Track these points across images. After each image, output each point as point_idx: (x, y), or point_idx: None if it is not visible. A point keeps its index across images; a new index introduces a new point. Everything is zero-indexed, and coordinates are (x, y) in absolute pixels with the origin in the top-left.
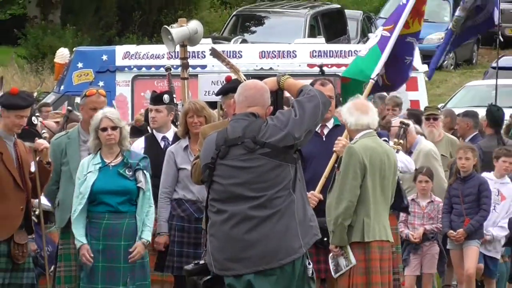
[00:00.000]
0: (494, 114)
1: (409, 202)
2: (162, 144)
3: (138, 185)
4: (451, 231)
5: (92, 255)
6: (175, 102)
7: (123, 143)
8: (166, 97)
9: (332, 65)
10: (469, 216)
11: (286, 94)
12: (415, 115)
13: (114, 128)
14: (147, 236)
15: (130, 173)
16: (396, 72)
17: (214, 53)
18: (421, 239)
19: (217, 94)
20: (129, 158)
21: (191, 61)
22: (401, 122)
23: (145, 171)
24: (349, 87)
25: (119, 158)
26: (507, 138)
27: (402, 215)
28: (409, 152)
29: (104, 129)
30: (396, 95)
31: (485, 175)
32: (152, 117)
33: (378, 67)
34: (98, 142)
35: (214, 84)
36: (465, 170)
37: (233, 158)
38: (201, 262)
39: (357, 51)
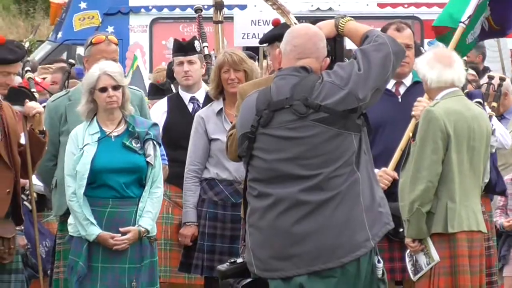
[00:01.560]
0: None
1: (508, 182)
2: (190, 107)
3: (147, 159)
4: None
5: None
6: (207, 52)
7: (126, 106)
8: (198, 43)
9: (409, 5)
10: None
11: (348, 42)
12: None
13: (116, 87)
14: (146, 223)
15: (138, 145)
16: (505, 10)
17: None
18: None
19: (260, 42)
20: (135, 126)
21: (227, 0)
22: (489, 77)
23: (155, 142)
24: (448, 39)
25: (123, 126)
26: None
27: (500, 199)
28: (501, 118)
29: (103, 89)
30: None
31: None
32: (185, 72)
33: (471, 7)
34: (93, 106)
35: (255, 25)
36: None
37: (279, 126)
38: (239, 260)
39: None
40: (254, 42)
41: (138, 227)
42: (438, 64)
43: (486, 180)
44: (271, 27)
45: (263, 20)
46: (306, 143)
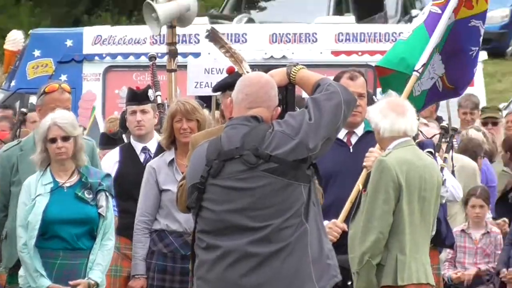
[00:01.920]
0: None
1: (457, 234)
2: (142, 157)
3: (99, 211)
4: (504, 269)
5: None
6: (161, 101)
7: (79, 156)
8: (151, 92)
9: (363, 52)
10: None
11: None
12: None
13: (65, 138)
14: (96, 276)
15: (91, 195)
16: (459, 69)
17: (212, 36)
18: (472, 282)
19: (213, 91)
20: (88, 176)
21: (181, 47)
22: (442, 127)
23: (107, 193)
24: (389, 81)
25: (76, 177)
26: None
27: (449, 252)
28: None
29: (53, 140)
30: (473, 93)
31: None
32: (137, 121)
33: (425, 55)
34: (46, 155)
35: (208, 73)
36: None
37: (228, 176)
38: None
39: (396, 34)
40: (207, 91)
41: (88, 280)
42: (391, 113)
43: (433, 233)
44: (225, 75)
45: (216, 69)
46: (255, 194)
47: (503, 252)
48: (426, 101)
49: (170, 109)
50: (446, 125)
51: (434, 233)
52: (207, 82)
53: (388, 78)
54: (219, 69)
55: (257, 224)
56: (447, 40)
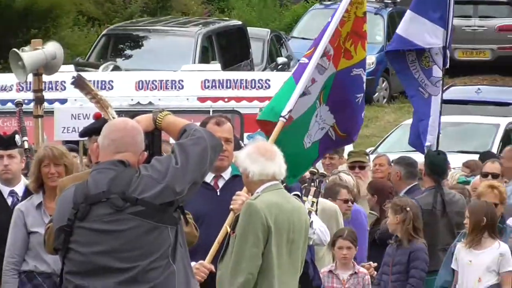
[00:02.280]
0: (433, 160)
1: (325, 275)
2: (9, 200)
3: None
4: None
5: None
6: (27, 146)
7: None
8: (18, 137)
9: (230, 99)
10: None
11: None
12: None
13: None
14: None
15: None
16: (348, 118)
17: (78, 83)
18: None
19: (80, 136)
20: None
21: (48, 94)
22: (311, 172)
23: None
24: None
25: None
26: (456, 191)
27: None
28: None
29: None
30: None
31: None
32: (4, 165)
33: (291, 102)
34: None
35: (75, 118)
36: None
37: (95, 219)
38: None
39: (263, 81)
40: (74, 136)
41: None
42: (260, 158)
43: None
44: (91, 120)
45: (83, 114)
46: (123, 237)
47: None
48: (319, 151)
49: (38, 153)
50: (315, 170)
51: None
52: (74, 127)
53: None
54: (86, 115)
55: (124, 265)
56: (331, 91)
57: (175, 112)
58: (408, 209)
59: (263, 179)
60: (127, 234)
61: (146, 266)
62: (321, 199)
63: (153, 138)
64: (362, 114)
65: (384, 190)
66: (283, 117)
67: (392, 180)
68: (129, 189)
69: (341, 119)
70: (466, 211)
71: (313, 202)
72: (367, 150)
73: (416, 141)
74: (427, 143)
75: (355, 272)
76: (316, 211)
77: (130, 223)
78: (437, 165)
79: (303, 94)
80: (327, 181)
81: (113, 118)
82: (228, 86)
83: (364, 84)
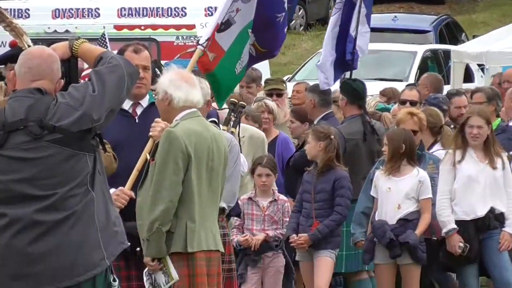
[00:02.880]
0: (353, 86)
1: (245, 202)
2: None
3: None
4: (294, 235)
5: None
6: None
7: None
8: None
9: (146, 27)
10: (319, 219)
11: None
12: None
13: None
14: None
15: None
16: (269, 35)
17: None
18: (260, 248)
19: None
20: None
21: None
22: (231, 103)
23: None
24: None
25: None
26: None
27: (236, 219)
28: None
29: None
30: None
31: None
32: None
33: (208, 32)
34: None
35: None
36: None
37: (13, 147)
38: None
39: (179, 9)
40: None
41: None
42: (184, 84)
43: (232, 205)
44: (7, 48)
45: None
46: (41, 164)
47: (292, 218)
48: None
49: None
50: (235, 100)
51: (232, 205)
52: None
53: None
54: (2, 42)
55: (43, 192)
56: (255, 15)
57: (91, 40)
58: (332, 136)
59: (186, 105)
60: (45, 162)
61: (64, 194)
62: (247, 126)
63: (70, 65)
64: (284, 30)
65: (307, 116)
66: (201, 45)
67: (307, 107)
68: (46, 117)
69: (262, 36)
70: (384, 138)
71: (232, 132)
72: (285, 78)
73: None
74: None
75: (275, 200)
76: (239, 138)
77: (48, 151)
78: (358, 92)
79: (229, 24)
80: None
81: (28, 46)
82: (145, 14)
83: (286, 5)
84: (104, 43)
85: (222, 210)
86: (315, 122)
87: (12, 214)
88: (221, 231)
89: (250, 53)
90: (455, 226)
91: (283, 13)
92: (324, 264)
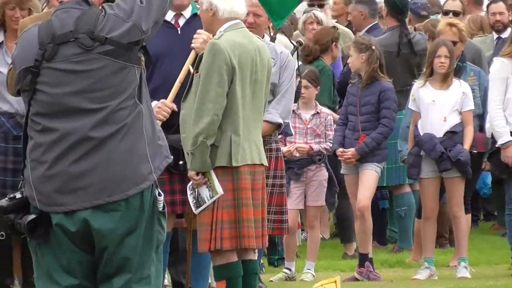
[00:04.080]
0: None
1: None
2: None
3: None
4: (342, 149)
5: None
6: None
7: None
8: None
9: None
10: (365, 131)
11: None
12: None
13: None
14: None
15: None
16: None
17: None
18: (304, 161)
19: None
20: None
21: None
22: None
23: None
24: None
25: None
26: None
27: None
28: None
29: None
30: None
31: None
32: None
33: None
34: None
35: None
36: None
37: (63, 59)
38: (18, 195)
39: None
40: None
41: None
42: None
43: (287, 121)
44: None
45: None
46: (92, 77)
47: (337, 132)
48: None
49: None
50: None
51: (288, 121)
52: None
53: None
54: None
55: (95, 105)
56: None
57: None
58: (373, 47)
59: (232, 16)
60: (96, 74)
61: (115, 107)
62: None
63: None
64: None
65: None
66: None
67: (355, 19)
68: (96, 28)
69: None
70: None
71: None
72: None
73: None
74: None
75: (317, 113)
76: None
77: (99, 63)
78: (400, 4)
79: None
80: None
81: None
82: None
83: None
84: None
85: (278, 125)
86: (360, 34)
87: (64, 128)
88: (274, 146)
89: None
90: (510, 138)
91: None
92: (369, 178)
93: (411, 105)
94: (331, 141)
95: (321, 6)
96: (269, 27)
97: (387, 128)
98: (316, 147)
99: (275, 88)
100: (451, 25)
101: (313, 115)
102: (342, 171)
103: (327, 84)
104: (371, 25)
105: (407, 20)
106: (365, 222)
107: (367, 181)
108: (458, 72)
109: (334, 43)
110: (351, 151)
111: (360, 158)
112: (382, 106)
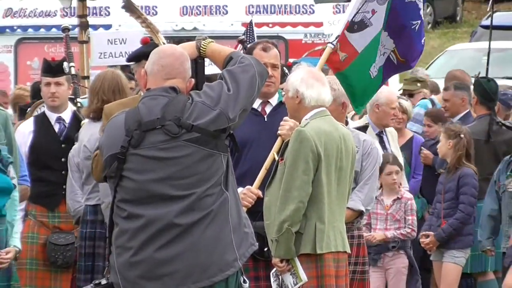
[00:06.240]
0: (485, 87)
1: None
2: (56, 127)
3: (13, 181)
4: (425, 236)
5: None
6: (74, 72)
7: None
8: (66, 65)
9: (274, 24)
10: (446, 218)
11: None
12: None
13: None
14: (18, 243)
15: (4, 168)
16: (406, 43)
17: (128, 7)
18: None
19: (127, 60)
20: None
21: (92, 20)
22: None
23: (12, 165)
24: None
25: None
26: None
27: (365, 217)
28: None
29: None
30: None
31: None
32: (51, 93)
33: (338, 29)
34: None
35: (112, 43)
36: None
37: (149, 146)
38: (103, 282)
39: (307, 6)
40: (111, 61)
41: (14, 248)
42: (316, 83)
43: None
44: (128, 45)
45: (119, 39)
46: (178, 164)
47: (427, 221)
48: (383, 76)
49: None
50: None
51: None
52: (110, 52)
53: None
54: (122, 39)
55: (180, 192)
56: (388, 18)
57: (219, 37)
58: (462, 135)
59: (319, 104)
60: (182, 161)
61: (201, 194)
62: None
63: (196, 65)
64: (422, 41)
65: (442, 117)
66: (331, 43)
67: (454, 105)
68: (183, 116)
69: (400, 44)
70: None
71: None
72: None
73: None
74: None
75: (399, 198)
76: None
77: (185, 150)
78: (490, 93)
79: (364, 25)
80: None
81: (163, 43)
82: (273, 11)
83: (421, 12)
84: None
85: (360, 213)
86: (454, 120)
87: (149, 215)
88: (356, 233)
89: (392, 60)
90: None
91: (419, 21)
92: (448, 273)
93: None
94: (411, 227)
95: (411, 95)
96: None
97: (463, 214)
98: (390, 234)
99: (357, 175)
100: None
101: (394, 200)
102: (431, 258)
103: None
104: (465, 112)
105: (496, 108)
106: None
107: (446, 276)
108: None
109: None
110: (430, 237)
111: (443, 244)
112: (460, 191)
